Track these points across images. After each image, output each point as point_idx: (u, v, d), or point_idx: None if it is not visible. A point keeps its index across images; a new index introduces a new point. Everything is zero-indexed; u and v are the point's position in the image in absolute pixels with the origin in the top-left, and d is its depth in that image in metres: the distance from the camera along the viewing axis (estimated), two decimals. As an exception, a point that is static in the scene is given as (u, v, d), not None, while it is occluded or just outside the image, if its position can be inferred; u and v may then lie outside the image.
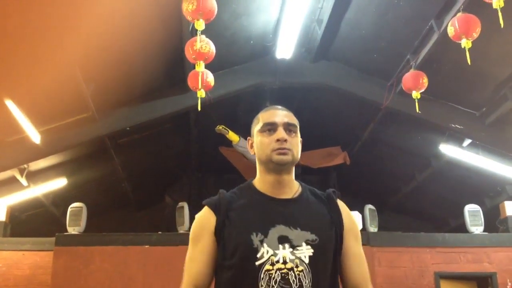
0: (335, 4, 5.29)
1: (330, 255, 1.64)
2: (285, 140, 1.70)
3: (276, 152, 1.69)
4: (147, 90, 6.12)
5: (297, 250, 1.59)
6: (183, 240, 5.81)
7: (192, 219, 6.06)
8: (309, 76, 6.61)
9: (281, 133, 1.71)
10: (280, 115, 1.76)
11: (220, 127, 7.15)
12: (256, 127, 1.78)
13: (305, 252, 1.59)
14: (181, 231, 6.11)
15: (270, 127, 1.74)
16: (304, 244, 1.60)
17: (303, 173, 7.65)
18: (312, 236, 1.62)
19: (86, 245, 5.85)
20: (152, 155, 8.34)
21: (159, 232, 6.20)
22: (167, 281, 5.59)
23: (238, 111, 7.67)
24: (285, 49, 5.96)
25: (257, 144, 1.75)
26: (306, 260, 1.58)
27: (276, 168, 1.71)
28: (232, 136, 7.24)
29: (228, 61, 6.25)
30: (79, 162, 7.08)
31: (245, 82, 6.60)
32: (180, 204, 6.40)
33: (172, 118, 6.80)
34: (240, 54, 6.41)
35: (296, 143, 1.75)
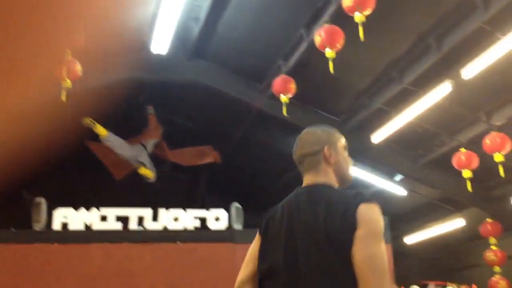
0: (212, 4, 5.32)
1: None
2: None
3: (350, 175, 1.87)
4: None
5: None
6: (39, 238, 5.44)
7: (50, 215, 5.60)
8: (184, 73, 6.59)
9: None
10: None
11: (87, 120, 6.80)
12: (339, 142, 1.85)
13: None
14: (36, 228, 5.69)
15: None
16: None
17: (173, 170, 7.59)
18: None
19: None
20: (11, 146, 7.65)
21: (12, 229, 5.71)
22: (20, 279, 5.18)
23: (111, 105, 7.36)
24: (161, 44, 5.87)
25: (344, 159, 1.84)
26: None
27: (347, 184, 1.85)
28: (100, 129, 6.91)
29: (102, 52, 5.98)
30: None
31: (119, 75, 6.37)
32: (38, 199, 5.95)
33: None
34: (115, 47, 6.16)
35: None
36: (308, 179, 1.80)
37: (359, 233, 1.56)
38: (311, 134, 1.86)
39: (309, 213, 1.67)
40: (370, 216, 1.61)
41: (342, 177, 1.81)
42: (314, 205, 1.68)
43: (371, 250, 1.55)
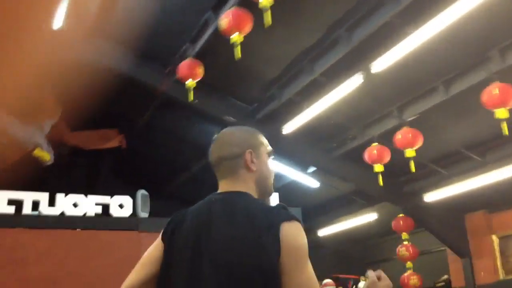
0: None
1: None
2: None
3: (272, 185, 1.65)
4: None
5: None
6: None
7: None
8: (83, 52, 6.06)
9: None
10: None
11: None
12: (263, 147, 1.61)
13: None
14: None
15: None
16: None
17: (73, 154, 7.09)
18: None
19: None
20: None
21: None
22: None
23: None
24: (55, 19, 5.33)
25: (267, 167, 1.61)
26: None
27: (268, 196, 1.64)
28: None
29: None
30: None
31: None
32: None
33: None
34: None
35: None
36: (223, 187, 1.56)
37: (287, 263, 1.37)
38: (231, 135, 1.62)
39: (225, 229, 1.43)
40: (295, 238, 1.41)
41: (263, 187, 1.59)
42: (231, 218, 1.44)
43: (303, 278, 1.38)
